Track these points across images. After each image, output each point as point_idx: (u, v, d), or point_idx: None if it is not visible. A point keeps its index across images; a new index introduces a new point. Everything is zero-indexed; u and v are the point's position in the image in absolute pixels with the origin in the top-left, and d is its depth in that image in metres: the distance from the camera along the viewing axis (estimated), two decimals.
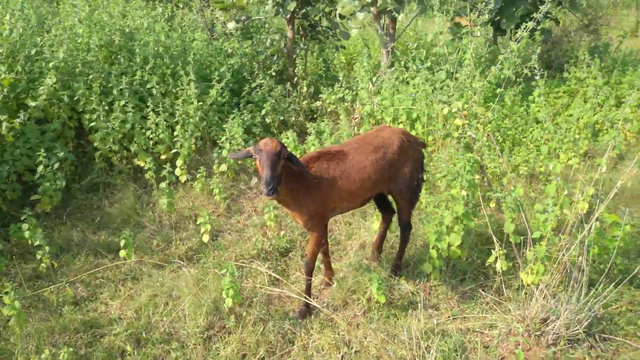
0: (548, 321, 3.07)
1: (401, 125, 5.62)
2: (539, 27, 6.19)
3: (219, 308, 3.52)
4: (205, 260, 4.21)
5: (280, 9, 7.06)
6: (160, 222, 4.81)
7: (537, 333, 3.09)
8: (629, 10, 13.05)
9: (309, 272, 3.61)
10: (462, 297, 3.71)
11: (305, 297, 3.51)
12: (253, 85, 6.70)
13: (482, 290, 3.70)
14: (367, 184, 3.53)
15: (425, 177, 4.05)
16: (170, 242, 4.50)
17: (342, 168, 3.45)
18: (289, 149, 5.35)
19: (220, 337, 3.36)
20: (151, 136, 5.42)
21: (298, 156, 3.77)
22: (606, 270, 3.77)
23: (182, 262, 4.04)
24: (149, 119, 5.35)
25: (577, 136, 5.80)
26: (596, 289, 3.25)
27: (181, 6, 9.55)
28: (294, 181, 3.24)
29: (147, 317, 3.55)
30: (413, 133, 5.45)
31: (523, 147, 5.65)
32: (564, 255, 3.15)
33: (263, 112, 6.34)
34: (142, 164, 5.34)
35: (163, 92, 5.93)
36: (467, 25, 6.32)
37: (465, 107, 4.07)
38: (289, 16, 7.21)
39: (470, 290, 3.74)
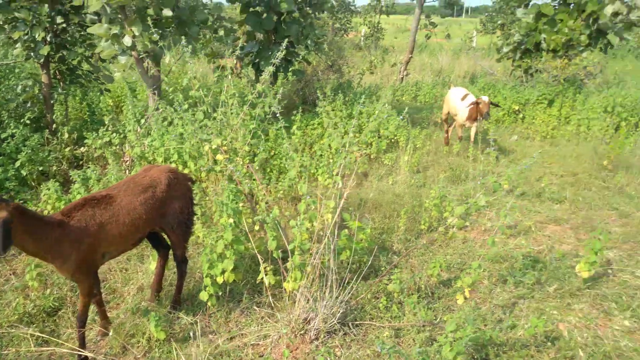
0: (309, 319, 3.54)
1: (173, 164, 5.76)
2: (291, 68, 7.09)
3: None
4: None
5: (32, 53, 6.58)
6: None
7: (302, 332, 3.53)
8: (364, 52, 15.64)
9: (81, 324, 3.45)
10: (240, 316, 3.99)
11: (79, 350, 3.34)
12: (3, 136, 6.06)
13: (257, 306, 4.04)
14: (139, 224, 3.57)
15: (200, 210, 4.26)
16: None
17: (110, 212, 3.43)
18: (50, 201, 5.05)
19: None
20: None
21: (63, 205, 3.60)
22: (357, 268, 4.50)
23: None
24: None
25: (331, 160, 6.76)
26: (350, 285, 3.89)
27: None
28: (46, 237, 3.10)
29: None
30: (186, 170, 5.65)
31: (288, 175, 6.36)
32: (315, 260, 3.68)
33: (17, 164, 5.77)
34: None
35: None
36: (231, 67, 6.87)
37: (225, 143, 4.44)
38: (42, 60, 6.76)
39: (246, 308, 4.04)
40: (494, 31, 21.78)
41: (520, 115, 10.22)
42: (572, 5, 10.97)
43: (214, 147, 4.32)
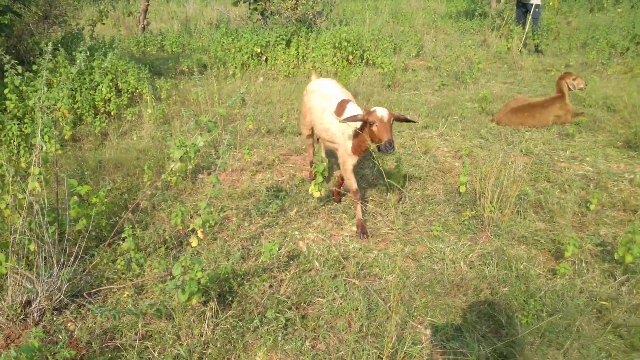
0: (30, 301, 3.09)
1: None
2: None
3: None
4: None
5: None
6: None
7: (21, 317, 3.07)
8: (85, 2, 13.93)
9: None
10: None
11: None
12: None
13: None
14: None
15: None
16: None
17: None
18: None
19: None
20: None
21: None
22: (98, 234, 4.09)
23: None
24: None
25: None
26: (88, 254, 3.50)
27: None
28: None
29: None
30: None
31: None
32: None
33: None
34: None
35: None
36: None
37: None
38: None
39: None
40: None
41: (264, 58, 10.57)
42: None
43: None
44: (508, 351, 3.07)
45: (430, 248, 4.20)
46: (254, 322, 3.25)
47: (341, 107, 4.43)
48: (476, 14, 14.93)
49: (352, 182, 4.51)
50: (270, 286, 3.72)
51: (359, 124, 4.13)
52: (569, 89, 6.96)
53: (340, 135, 4.43)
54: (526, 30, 11.78)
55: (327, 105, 4.58)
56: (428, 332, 3.27)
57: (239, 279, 3.67)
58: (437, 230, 4.35)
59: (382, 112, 3.94)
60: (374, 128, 3.93)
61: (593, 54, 10.45)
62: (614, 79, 9.15)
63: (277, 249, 3.62)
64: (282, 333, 3.20)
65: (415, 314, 3.41)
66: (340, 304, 3.50)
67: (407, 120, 4.24)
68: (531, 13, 11.78)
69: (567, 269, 3.72)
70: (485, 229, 4.41)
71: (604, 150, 6.08)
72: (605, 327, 3.18)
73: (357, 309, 3.43)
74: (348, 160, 4.45)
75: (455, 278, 3.80)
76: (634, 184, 5.15)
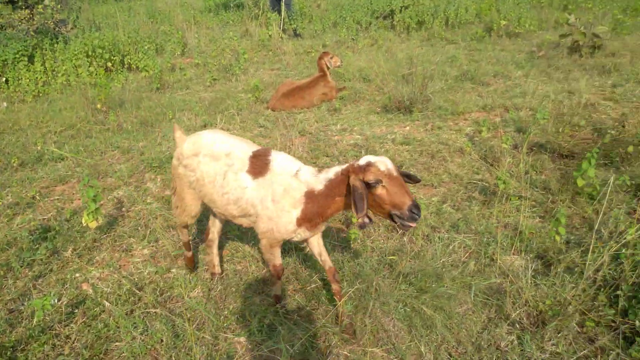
0: None
1: None
2: None
3: None
4: None
5: None
6: None
7: None
8: None
9: None
10: None
11: None
12: None
13: None
14: None
15: None
16: None
17: None
18: None
19: None
20: None
21: None
22: None
23: None
24: None
25: None
26: None
27: None
28: None
29: None
30: None
31: None
32: None
33: None
34: None
35: None
36: None
37: None
38: None
39: None
40: None
41: (3, 79, 8.95)
42: None
43: None
44: (324, 330, 3.11)
45: (230, 250, 4.04)
46: None
47: (260, 162, 3.03)
48: (231, 5, 15.09)
49: (275, 257, 3.19)
50: (53, 347, 3.12)
51: (325, 182, 2.86)
52: (328, 67, 7.47)
53: (266, 202, 2.97)
54: (282, 17, 12.33)
55: (232, 166, 3.09)
56: (242, 339, 3.12)
57: (8, 354, 2.98)
58: (234, 230, 4.21)
59: (385, 163, 2.62)
60: (381, 191, 2.61)
61: (343, 31, 11.48)
62: (364, 52, 10.20)
63: (53, 301, 3.03)
64: None
65: (225, 324, 3.22)
66: (142, 340, 3.11)
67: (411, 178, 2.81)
68: (283, 0, 12.38)
69: (356, 233, 3.94)
70: None
71: (368, 118, 6.70)
72: (397, 279, 3.46)
73: (162, 341, 3.09)
74: (281, 237, 3.04)
75: (261, 274, 3.73)
76: (396, 142, 5.78)
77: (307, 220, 2.93)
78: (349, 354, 2.96)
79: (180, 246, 4.06)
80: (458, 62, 8.86)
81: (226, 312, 3.32)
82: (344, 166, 2.80)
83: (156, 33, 12.54)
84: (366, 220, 2.69)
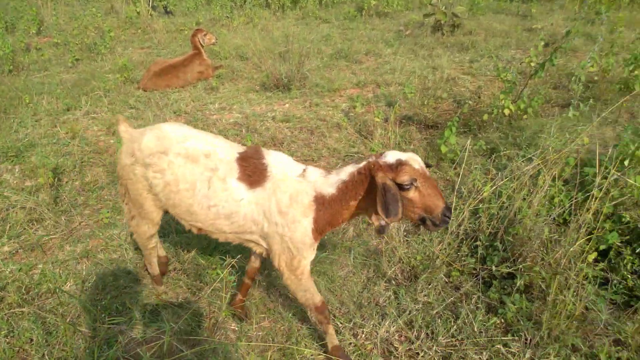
0: None
1: None
2: None
3: None
4: None
5: None
6: None
7: None
8: None
9: None
10: None
11: None
12: None
13: None
14: None
15: None
16: None
17: None
18: None
19: None
20: None
21: None
22: None
23: None
24: None
25: None
26: None
27: None
28: None
29: None
30: None
31: None
32: None
33: None
34: None
35: None
36: None
37: None
38: None
39: None
40: None
41: None
42: None
43: None
44: (211, 309, 3.08)
45: (104, 239, 3.80)
46: None
47: (253, 166, 2.49)
48: None
49: (313, 292, 2.58)
50: None
51: (338, 184, 2.40)
52: (202, 45, 7.23)
53: (273, 217, 2.45)
54: None
55: (216, 171, 2.50)
56: (124, 327, 2.97)
57: None
58: (107, 218, 3.96)
59: (417, 161, 2.29)
60: (414, 194, 2.26)
61: (218, 9, 11.15)
62: (240, 30, 10.02)
63: None
64: None
65: (103, 315, 3.04)
66: (8, 343, 2.83)
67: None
68: None
69: None
70: None
71: (247, 96, 6.64)
72: None
73: (31, 340, 2.84)
74: (302, 255, 2.49)
75: (141, 262, 3.56)
76: (277, 120, 5.82)
77: (319, 231, 2.45)
78: (237, 328, 2.97)
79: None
80: (332, 40, 9.09)
81: (104, 302, 3.14)
82: (360, 165, 2.36)
83: (5, 9, 11.12)
84: (382, 222, 2.36)
